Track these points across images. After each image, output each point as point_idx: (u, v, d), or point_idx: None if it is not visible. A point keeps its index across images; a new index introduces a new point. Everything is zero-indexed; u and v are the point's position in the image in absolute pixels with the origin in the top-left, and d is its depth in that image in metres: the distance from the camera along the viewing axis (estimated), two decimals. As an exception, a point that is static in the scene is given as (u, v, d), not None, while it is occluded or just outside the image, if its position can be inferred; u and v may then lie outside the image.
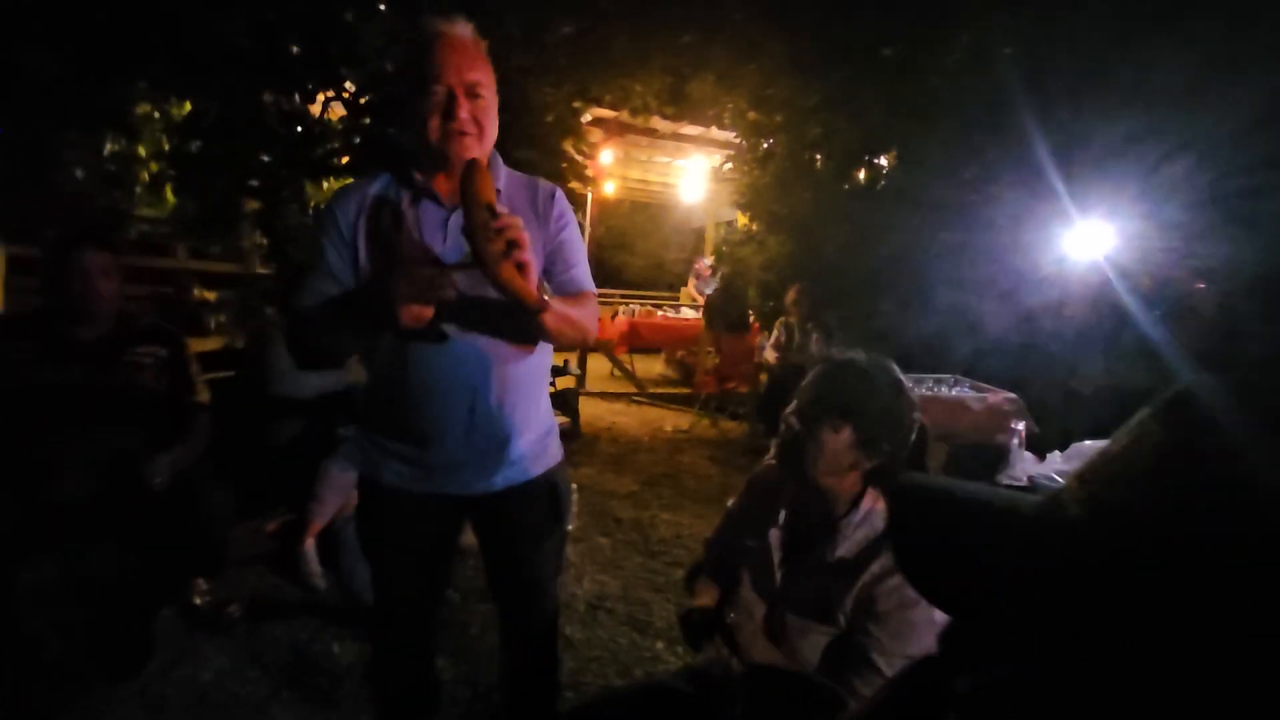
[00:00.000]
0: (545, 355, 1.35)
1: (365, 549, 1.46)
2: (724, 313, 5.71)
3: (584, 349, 6.78)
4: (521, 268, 1.05)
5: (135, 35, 2.84)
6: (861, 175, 5.21)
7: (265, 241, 4.42)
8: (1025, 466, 2.15)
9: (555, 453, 1.41)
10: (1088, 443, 2.10)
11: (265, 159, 3.61)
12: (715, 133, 6.26)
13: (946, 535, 0.48)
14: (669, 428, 5.41)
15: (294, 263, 3.41)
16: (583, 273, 1.33)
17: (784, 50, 4.68)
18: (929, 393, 2.30)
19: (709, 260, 8.19)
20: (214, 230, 4.45)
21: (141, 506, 1.91)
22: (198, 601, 2.16)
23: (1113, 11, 3.68)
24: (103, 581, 1.93)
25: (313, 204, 3.78)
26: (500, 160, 1.30)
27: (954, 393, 2.34)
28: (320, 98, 3.58)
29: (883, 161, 5.17)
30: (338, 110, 3.65)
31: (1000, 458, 2.19)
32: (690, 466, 4.37)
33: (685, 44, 4.83)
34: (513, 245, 1.03)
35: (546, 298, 1.14)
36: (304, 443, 2.40)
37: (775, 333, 4.79)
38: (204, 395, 2.18)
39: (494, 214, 1.03)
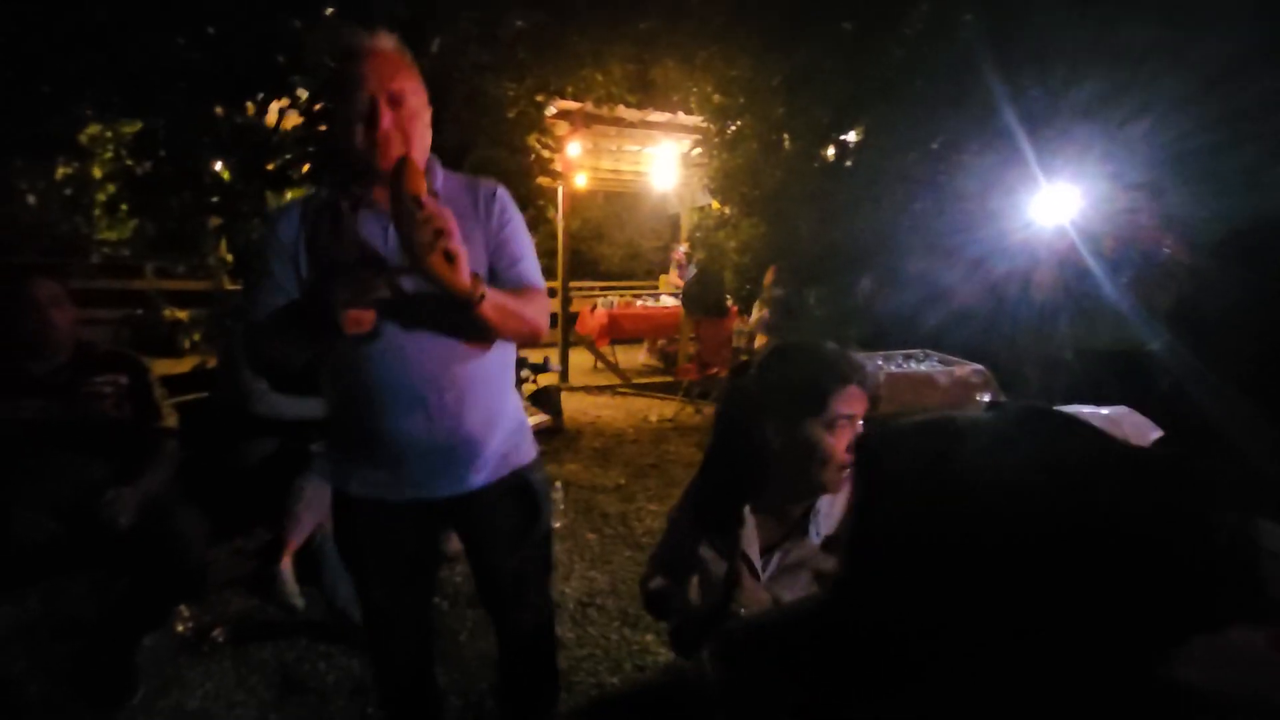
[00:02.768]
0: (504, 352, 1.34)
1: (346, 563, 1.45)
2: (701, 299, 5.70)
3: (564, 345, 6.76)
4: (450, 258, 1.04)
5: (75, 58, 2.76)
6: (830, 153, 5.20)
7: (230, 257, 4.35)
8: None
9: (527, 450, 1.40)
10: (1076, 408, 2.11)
11: (222, 174, 3.54)
12: (682, 118, 6.22)
13: None
14: (654, 418, 5.41)
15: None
16: (529, 268, 1.32)
17: (744, 30, 4.65)
18: (898, 369, 2.32)
19: (684, 247, 8.18)
20: (177, 249, 4.37)
21: (114, 538, 1.88)
22: (180, 629, 2.13)
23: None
24: (82, 616, 1.91)
25: (274, 216, 3.74)
26: (438, 164, 1.30)
27: (922, 368, 2.35)
28: (274, 107, 3.51)
29: (850, 138, 5.16)
30: (294, 119, 3.59)
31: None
32: (677, 455, 4.38)
33: (644, 30, 4.79)
34: (439, 234, 1.02)
35: (483, 290, 1.13)
36: (279, 461, 2.37)
37: (756, 314, 4.79)
38: (170, 420, 2.14)
39: (419, 205, 1.02)
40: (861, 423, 1.13)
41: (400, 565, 1.37)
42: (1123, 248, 2.37)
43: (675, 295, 7.85)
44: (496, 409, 1.33)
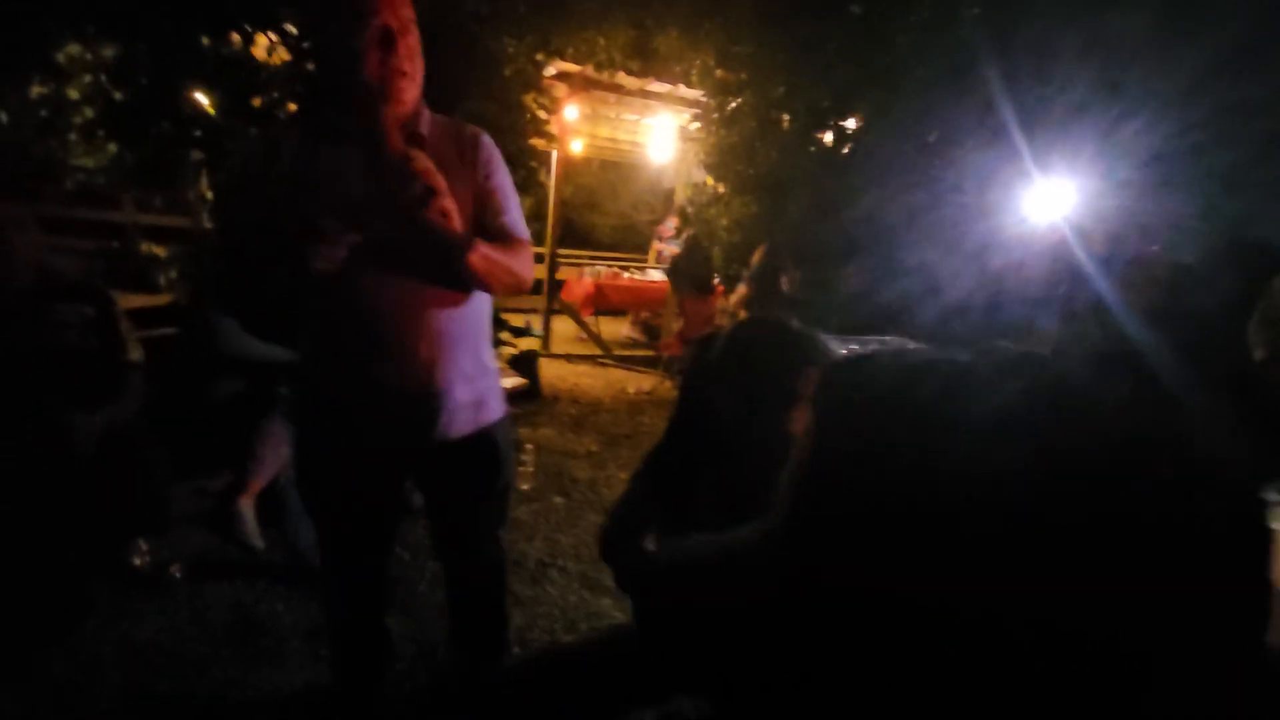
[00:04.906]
0: (479, 305, 1.33)
1: (307, 507, 1.44)
2: (689, 275, 5.69)
3: (548, 311, 6.73)
4: (441, 214, 1.05)
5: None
6: (828, 138, 5.16)
7: (211, 195, 4.24)
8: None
9: (496, 407, 1.40)
10: None
11: (206, 108, 3.44)
12: (683, 90, 6.12)
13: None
14: (631, 389, 5.43)
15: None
16: (515, 219, 1.32)
17: (749, 4, 4.56)
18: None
19: (672, 221, 8.12)
20: (155, 181, 4.26)
21: (70, 467, 1.86)
22: (138, 562, 2.12)
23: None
24: (31, 543, 1.89)
25: (257, 155, 3.64)
26: (424, 105, 1.27)
27: (892, 354, 2.38)
28: (262, 41, 3.39)
29: (850, 124, 5.12)
30: (284, 55, 3.47)
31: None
32: (651, 427, 4.40)
33: (649, -5, 4.68)
34: (429, 191, 1.02)
35: (473, 242, 1.13)
36: (245, 402, 2.35)
37: (739, 292, 4.79)
38: (136, 354, 2.11)
39: (409, 159, 1.02)
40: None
41: (360, 512, 1.37)
42: (1112, 245, 2.39)
43: (661, 270, 7.82)
44: (468, 363, 1.32)
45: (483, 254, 1.15)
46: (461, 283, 1.23)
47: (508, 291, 1.28)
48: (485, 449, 1.38)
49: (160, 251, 5.68)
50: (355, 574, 1.45)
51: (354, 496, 1.35)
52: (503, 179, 1.31)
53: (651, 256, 9.36)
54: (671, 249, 8.00)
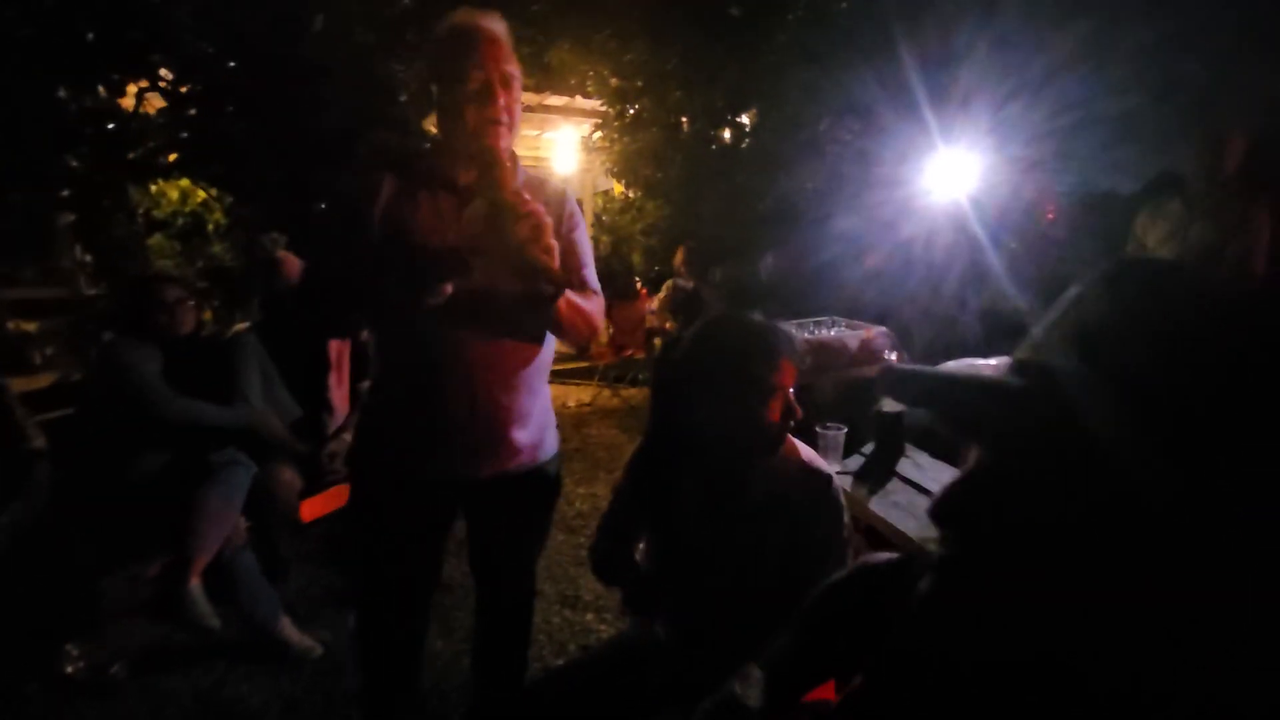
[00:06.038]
0: (548, 350, 1.37)
1: (361, 538, 1.42)
2: (610, 282, 5.73)
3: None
4: (548, 253, 1.09)
5: None
6: (727, 135, 5.35)
7: (89, 258, 3.89)
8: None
9: (552, 443, 1.44)
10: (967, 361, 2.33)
11: (72, 164, 3.15)
12: (581, 102, 6.17)
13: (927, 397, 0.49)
14: (572, 403, 5.40)
15: (129, 278, 3.03)
16: (592, 274, 1.39)
17: (638, 13, 4.67)
18: (811, 336, 2.45)
19: None
20: (22, 252, 3.87)
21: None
22: (69, 670, 1.91)
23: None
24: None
25: (141, 210, 3.37)
26: (516, 156, 1.30)
27: (833, 333, 2.50)
28: (131, 89, 3.15)
29: (745, 120, 5.33)
30: (159, 102, 3.24)
31: (879, 387, 2.38)
32: (599, 438, 4.40)
33: (537, 11, 4.70)
34: (538, 230, 1.08)
35: (566, 287, 1.17)
36: (173, 475, 2.17)
37: (663, 293, 4.87)
38: (37, 441, 1.91)
39: (521, 199, 1.08)
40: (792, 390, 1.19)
41: (416, 543, 1.39)
42: (1004, 216, 2.61)
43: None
44: (534, 403, 1.36)
45: (568, 300, 1.21)
46: (545, 327, 1.29)
47: (581, 341, 1.33)
48: (541, 484, 1.42)
49: (30, 327, 5.15)
50: (403, 604, 1.42)
51: (413, 526, 1.36)
52: (582, 233, 1.37)
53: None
54: None
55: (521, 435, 1.34)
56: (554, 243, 1.10)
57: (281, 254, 2.58)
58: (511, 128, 1.22)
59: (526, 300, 1.17)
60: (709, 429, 1.19)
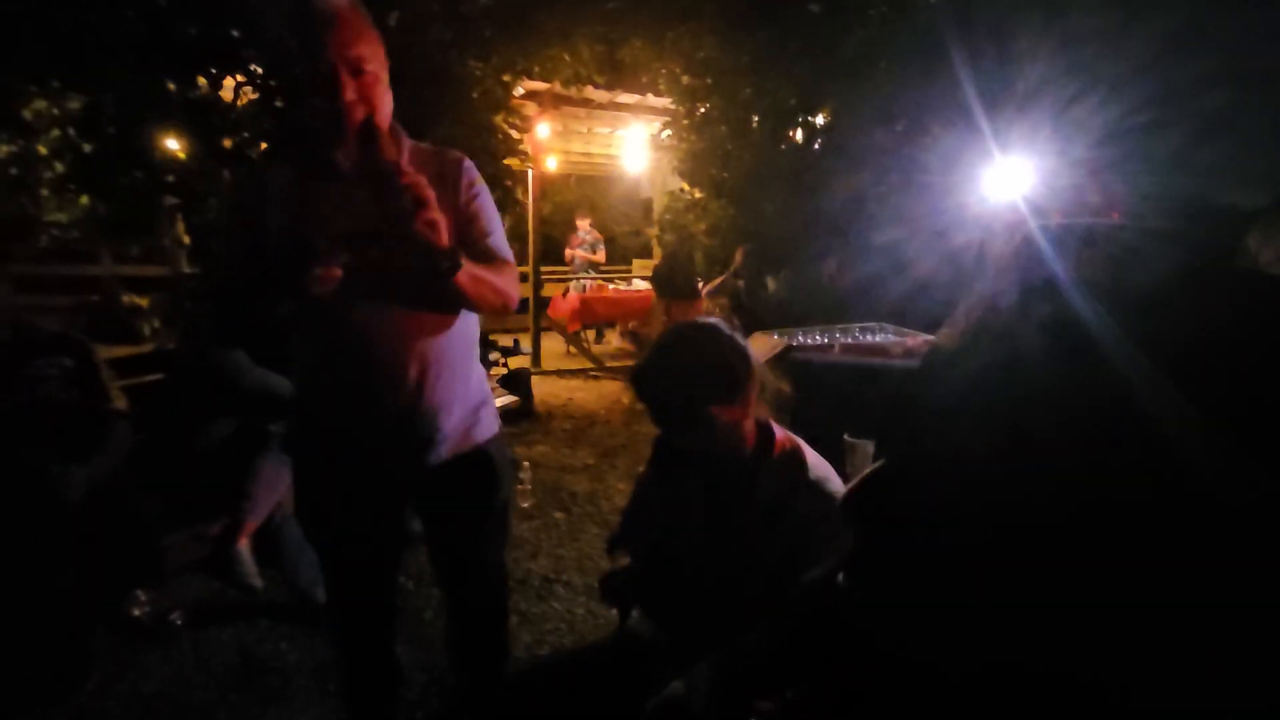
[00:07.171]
0: (468, 326, 1.34)
1: (309, 539, 1.43)
2: (670, 281, 5.70)
3: (536, 329, 6.73)
4: (430, 226, 1.04)
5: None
6: (798, 135, 5.22)
7: (189, 240, 4.23)
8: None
9: (489, 425, 1.40)
10: None
11: (177, 152, 3.43)
12: (652, 100, 6.17)
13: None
14: (626, 399, 5.42)
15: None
16: (498, 241, 1.33)
17: (711, 9, 4.62)
18: (853, 341, 2.36)
19: (582, 230, 8.26)
20: (130, 232, 4.24)
21: (61, 522, 1.84)
22: (137, 613, 2.10)
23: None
24: (28, 604, 1.87)
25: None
26: (402, 130, 1.28)
27: (877, 339, 2.40)
28: (229, 82, 3.40)
29: (818, 120, 5.18)
30: (251, 94, 3.48)
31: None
32: (647, 435, 4.37)
33: (611, 9, 4.73)
34: (418, 202, 1.02)
35: (460, 257, 1.12)
36: (237, 442, 2.33)
37: (715, 283, 4.83)
38: (119, 402, 2.10)
39: (398, 171, 1.03)
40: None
41: (362, 540, 1.36)
42: (1066, 221, 2.42)
43: (646, 279, 7.83)
44: (459, 384, 1.32)
45: (470, 272, 1.16)
46: (450, 301, 1.24)
47: (495, 310, 1.29)
48: (481, 466, 1.38)
49: (142, 302, 5.65)
50: (361, 604, 1.43)
51: (355, 524, 1.34)
52: (485, 201, 1.33)
53: (636, 267, 9.37)
54: (583, 254, 8.16)
55: (452, 416, 1.30)
56: (438, 215, 1.04)
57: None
58: (370, 110, 1.14)
59: (423, 276, 1.12)
60: (671, 426, 1.21)
